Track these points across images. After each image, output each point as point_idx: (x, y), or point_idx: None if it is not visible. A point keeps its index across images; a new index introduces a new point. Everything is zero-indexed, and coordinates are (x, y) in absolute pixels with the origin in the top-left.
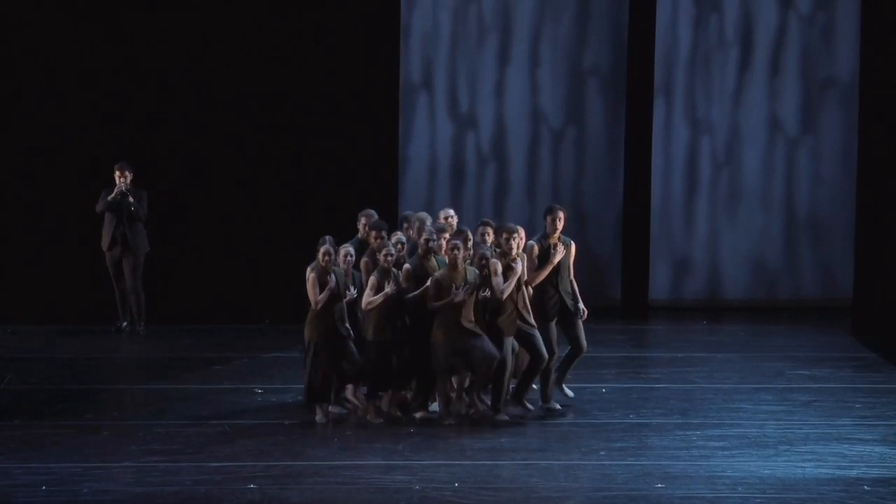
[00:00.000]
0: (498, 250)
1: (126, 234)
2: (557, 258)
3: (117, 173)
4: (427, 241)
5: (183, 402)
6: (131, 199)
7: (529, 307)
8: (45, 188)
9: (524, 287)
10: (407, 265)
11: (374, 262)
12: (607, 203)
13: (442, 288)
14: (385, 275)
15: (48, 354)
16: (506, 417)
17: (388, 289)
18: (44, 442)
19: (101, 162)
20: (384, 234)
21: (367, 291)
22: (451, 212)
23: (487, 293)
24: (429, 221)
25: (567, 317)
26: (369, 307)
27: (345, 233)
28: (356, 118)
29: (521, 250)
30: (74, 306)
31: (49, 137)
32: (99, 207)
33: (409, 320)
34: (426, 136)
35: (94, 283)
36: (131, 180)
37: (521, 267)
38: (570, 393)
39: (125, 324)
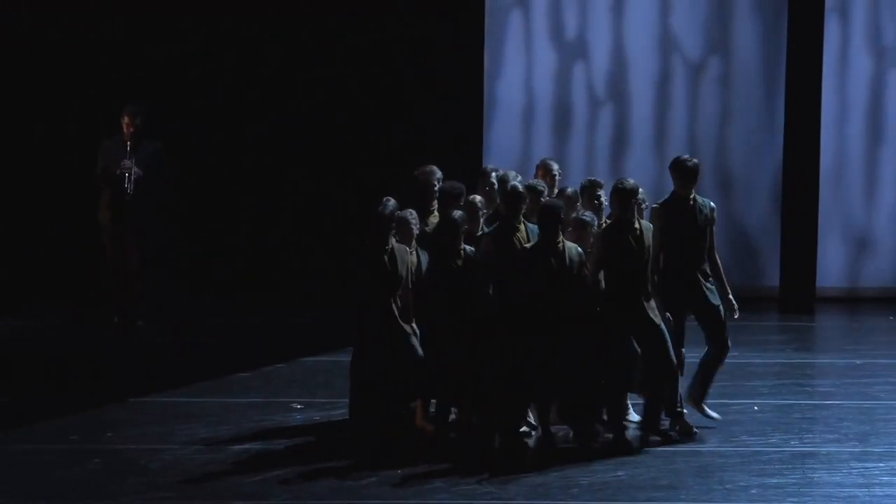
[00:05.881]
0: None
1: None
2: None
3: (126, 120)
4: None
5: (198, 421)
6: (135, 172)
7: (660, 292)
8: (8, 135)
9: (652, 265)
10: (487, 231)
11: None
12: (762, 160)
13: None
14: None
15: (17, 355)
16: (633, 444)
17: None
18: (12, 473)
19: (97, 101)
20: (461, 199)
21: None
22: (556, 166)
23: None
24: (515, 178)
25: (705, 307)
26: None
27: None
28: (427, 46)
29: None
30: (53, 289)
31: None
32: (99, 171)
33: (483, 309)
34: (520, 70)
35: (79, 261)
36: (139, 123)
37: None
38: (714, 415)
39: (118, 319)
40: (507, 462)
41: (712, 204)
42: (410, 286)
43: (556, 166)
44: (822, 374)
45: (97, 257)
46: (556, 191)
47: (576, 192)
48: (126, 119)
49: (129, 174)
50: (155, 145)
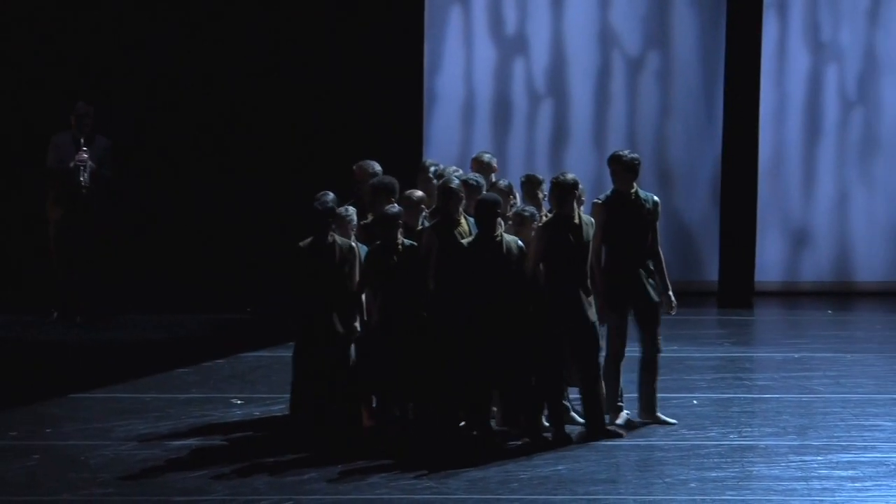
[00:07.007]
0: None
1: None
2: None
3: (76, 120)
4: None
5: (137, 417)
6: (90, 166)
7: (596, 289)
8: None
9: (592, 260)
10: (428, 226)
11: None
12: (701, 154)
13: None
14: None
15: None
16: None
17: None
18: None
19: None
20: (394, 194)
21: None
22: (487, 157)
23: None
24: (455, 173)
25: (645, 304)
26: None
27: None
28: (368, 41)
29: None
30: None
31: None
32: (50, 165)
33: (426, 307)
34: (460, 65)
35: (14, 251)
36: (90, 122)
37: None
38: (671, 420)
39: (56, 314)
40: (447, 457)
41: (655, 198)
42: (355, 281)
43: (486, 157)
44: (761, 367)
45: (39, 251)
46: (491, 181)
47: (509, 185)
48: (75, 119)
49: (84, 167)
50: (106, 142)
